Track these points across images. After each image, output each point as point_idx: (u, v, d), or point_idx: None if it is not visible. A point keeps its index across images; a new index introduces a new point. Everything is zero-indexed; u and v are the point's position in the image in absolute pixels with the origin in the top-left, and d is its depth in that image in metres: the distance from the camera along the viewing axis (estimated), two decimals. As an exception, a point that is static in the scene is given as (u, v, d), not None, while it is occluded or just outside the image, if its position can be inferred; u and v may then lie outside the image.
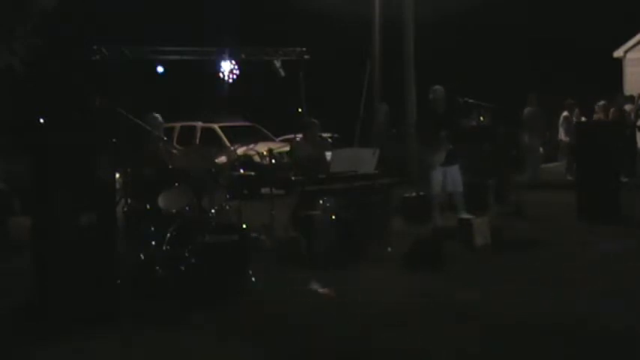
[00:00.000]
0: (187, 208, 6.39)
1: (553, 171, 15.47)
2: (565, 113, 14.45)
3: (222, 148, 12.03)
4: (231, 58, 15.26)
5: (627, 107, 13.93)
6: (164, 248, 6.04)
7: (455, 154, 8.59)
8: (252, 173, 7.74)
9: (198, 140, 15.73)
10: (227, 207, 6.65)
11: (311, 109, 12.60)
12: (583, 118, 14.54)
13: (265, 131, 16.74)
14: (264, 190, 7.57)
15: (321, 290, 6.07)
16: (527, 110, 13.54)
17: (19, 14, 14.64)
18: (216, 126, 16.07)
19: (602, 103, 13.95)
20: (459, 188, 8.71)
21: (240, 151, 8.64)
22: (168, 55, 14.37)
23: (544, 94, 14.03)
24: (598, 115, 13.85)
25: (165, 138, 7.52)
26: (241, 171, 7.31)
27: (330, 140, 12.37)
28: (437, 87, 8.72)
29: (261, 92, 22.90)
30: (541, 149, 14.56)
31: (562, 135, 14.58)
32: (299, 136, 9.25)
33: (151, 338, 4.96)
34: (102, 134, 5.86)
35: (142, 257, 6.23)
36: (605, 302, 5.45)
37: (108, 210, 5.39)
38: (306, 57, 13.35)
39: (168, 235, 6.06)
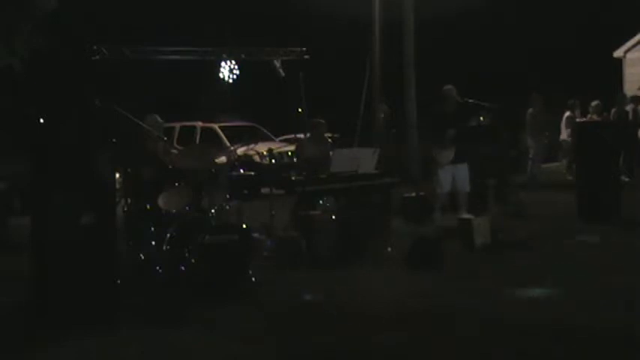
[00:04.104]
0: (187, 208, 6.39)
1: (553, 171, 15.46)
2: (568, 113, 14.44)
3: (222, 148, 12.03)
4: (231, 58, 15.27)
5: (628, 108, 13.93)
6: (164, 248, 6.04)
7: (464, 153, 8.61)
8: (252, 173, 7.74)
9: (198, 140, 15.73)
10: (227, 207, 6.64)
11: (311, 109, 12.60)
12: (584, 118, 14.53)
13: (265, 131, 16.74)
14: (264, 190, 7.54)
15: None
16: (531, 110, 13.53)
17: (20, 14, 14.63)
18: (216, 126, 16.08)
19: (595, 103, 13.96)
20: (465, 188, 8.73)
21: (240, 151, 8.64)
22: (169, 55, 14.38)
23: (544, 94, 14.03)
24: (591, 116, 13.85)
25: (165, 138, 7.52)
26: (241, 171, 7.29)
27: (330, 140, 12.35)
28: (449, 86, 8.77)
29: (260, 92, 22.90)
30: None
31: (565, 135, 14.57)
32: (299, 135, 9.26)
33: (150, 338, 4.96)
34: (102, 134, 5.87)
35: (142, 257, 6.23)
36: (605, 302, 5.45)
37: (108, 210, 5.39)
38: (306, 57, 13.35)
39: (168, 235, 6.06)
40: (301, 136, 11.47)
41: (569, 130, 14.22)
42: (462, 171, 8.69)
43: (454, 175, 8.65)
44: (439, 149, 8.63)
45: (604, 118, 13.55)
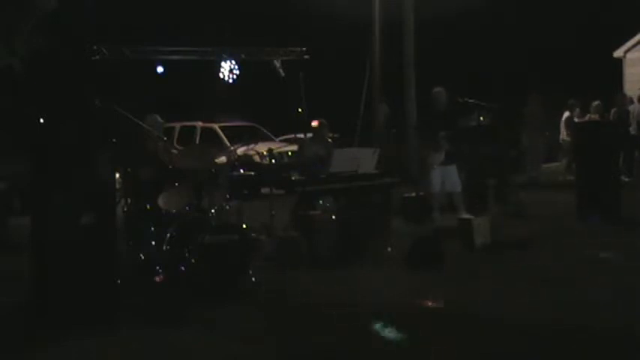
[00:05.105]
0: (187, 208, 6.39)
1: (553, 171, 15.47)
2: (567, 114, 14.46)
3: (222, 148, 12.03)
4: (231, 58, 15.28)
5: (631, 108, 13.93)
6: (164, 248, 6.04)
7: (453, 155, 8.67)
8: (252, 173, 7.76)
9: (198, 140, 15.74)
10: (227, 207, 6.64)
11: (311, 109, 12.61)
12: (584, 118, 14.55)
13: (265, 131, 16.75)
14: (264, 190, 7.55)
15: None
16: (528, 109, 13.55)
17: (20, 14, 14.63)
18: (216, 126, 16.08)
19: (596, 103, 13.96)
20: (457, 189, 8.80)
21: (240, 151, 8.64)
22: (169, 55, 14.38)
23: (544, 94, 14.04)
24: (592, 116, 13.87)
25: (165, 138, 7.52)
26: (241, 171, 7.30)
27: (330, 140, 12.38)
28: (438, 89, 8.86)
29: (260, 92, 22.90)
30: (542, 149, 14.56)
31: (564, 135, 14.59)
32: (299, 135, 9.27)
33: (150, 338, 4.96)
34: (102, 134, 5.86)
35: (142, 257, 6.23)
36: (605, 302, 5.45)
37: (108, 210, 5.39)
38: (306, 57, 13.36)
39: (168, 235, 6.06)
40: (301, 136, 11.47)
41: (568, 130, 14.24)
42: (451, 172, 8.76)
43: (443, 177, 8.71)
44: (429, 151, 8.72)
45: (605, 119, 13.56)
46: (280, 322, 5.34)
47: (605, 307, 5.30)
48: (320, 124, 8.74)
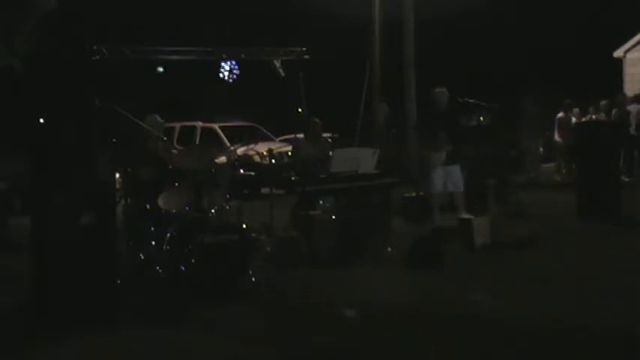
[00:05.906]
0: (187, 208, 6.39)
1: (553, 171, 15.47)
2: (561, 114, 14.47)
3: (222, 148, 12.03)
4: (231, 58, 15.28)
5: (630, 108, 13.93)
6: (164, 248, 6.04)
7: (455, 154, 8.66)
8: (252, 173, 7.76)
9: (198, 140, 15.74)
10: (227, 207, 6.65)
11: (311, 109, 12.60)
12: (583, 119, 14.56)
13: (265, 131, 16.75)
14: (264, 190, 7.56)
15: None
16: (528, 109, 13.55)
17: (20, 14, 14.62)
18: (216, 126, 16.09)
19: (603, 102, 13.97)
20: (459, 188, 8.78)
21: (240, 151, 8.64)
22: (169, 55, 14.38)
23: (544, 94, 14.05)
24: (598, 115, 13.87)
25: (165, 138, 7.52)
26: (241, 171, 7.30)
27: (330, 140, 12.38)
28: (439, 89, 8.85)
29: (260, 92, 22.91)
30: (541, 149, 14.59)
31: (557, 135, 14.60)
32: (300, 135, 9.27)
33: (150, 338, 4.96)
34: (102, 134, 5.87)
35: (142, 257, 6.24)
36: (605, 302, 5.45)
37: (108, 210, 5.39)
38: (306, 57, 13.34)
39: (168, 235, 6.06)
40: (301, 136, 11.46)
41: (561, 130, 14.26)
42: (454, 172, 8.74)
43: (446, 177, 8.69)
44: (429, 151, 8.72)
45: (607, 118, 13.59)
46: (280, 322, 5.34)
47: (605, 307, 5.30)
48: (312, 123, 8.73)
